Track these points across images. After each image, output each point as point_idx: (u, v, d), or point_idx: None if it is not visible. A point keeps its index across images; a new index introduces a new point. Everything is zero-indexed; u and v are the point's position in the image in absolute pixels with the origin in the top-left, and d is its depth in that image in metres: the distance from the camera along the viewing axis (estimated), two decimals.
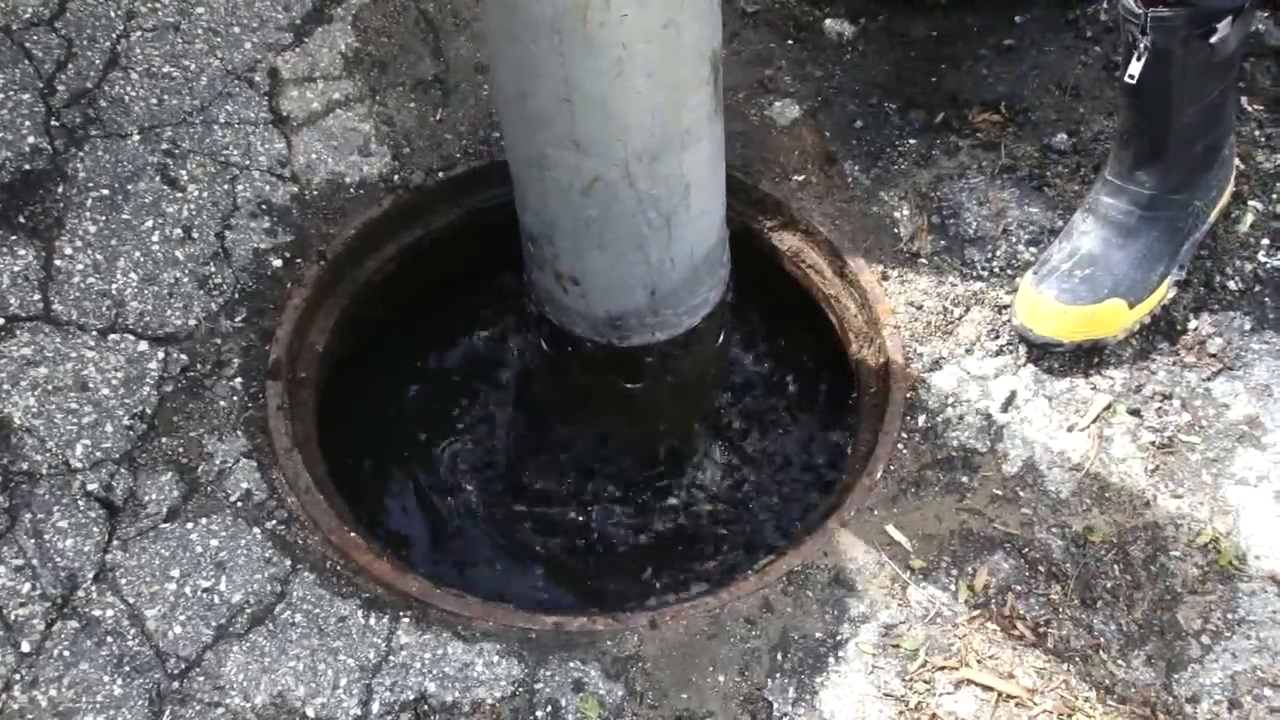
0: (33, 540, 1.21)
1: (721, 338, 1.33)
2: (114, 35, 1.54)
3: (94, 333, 1.33)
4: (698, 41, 0.99)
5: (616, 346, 1.24)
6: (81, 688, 1.13)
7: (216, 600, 1.18)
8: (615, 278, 1.17)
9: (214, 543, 1.21)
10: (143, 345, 1.33)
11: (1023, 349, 1.33)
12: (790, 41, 1.62)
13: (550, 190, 1.09)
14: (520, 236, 1.22)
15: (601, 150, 1.03)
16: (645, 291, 1.18)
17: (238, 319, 1.36)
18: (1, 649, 1.15)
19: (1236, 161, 1.37)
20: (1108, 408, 1.28)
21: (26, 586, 1.18)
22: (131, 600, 1.18)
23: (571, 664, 1.14)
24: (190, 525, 1.22)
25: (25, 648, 1.16)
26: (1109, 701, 1.12)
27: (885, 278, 1.40)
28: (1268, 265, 1.37)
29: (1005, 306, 1.37)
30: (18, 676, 1.14)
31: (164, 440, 1.27)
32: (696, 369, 1.33)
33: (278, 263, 1.40)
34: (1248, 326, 1.32)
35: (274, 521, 1.23)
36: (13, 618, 1.17)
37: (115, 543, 1.21)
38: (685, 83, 1.01)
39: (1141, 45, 1.09)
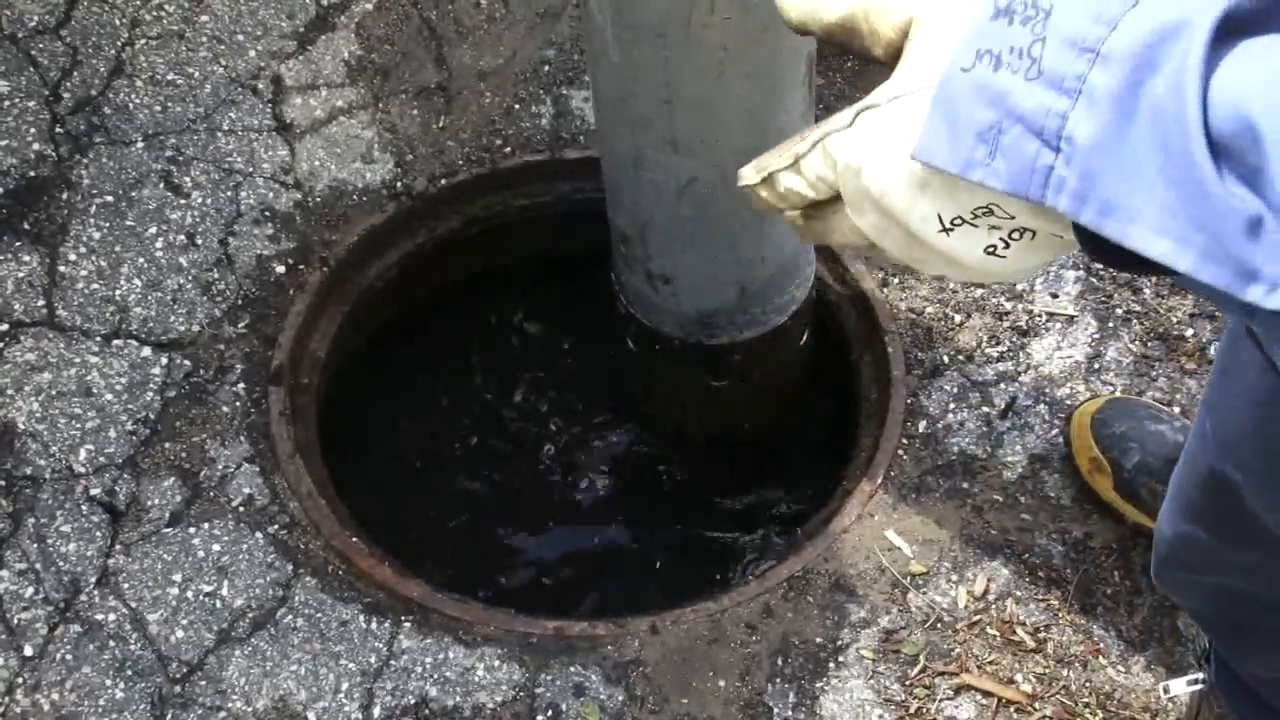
0: (36, 544, 1.22)
1: (806, 336, 1.34)
2: (119, 43, 1.55)
3: (98, 338, 1.34)
4: (795, 42, 1.00)
5: (704, 344, 1.26)
6: (84, 691, 1.14)
7: (218, 605, 1.18)
8: (707, 276, 1.19)
9: (216, 547, 1.22)
10: (146, 351, 1.34)
11: (1023, 355, 1.35)
12: None
13: (645, 191, 1.11)
14: (611, 238, 1.24)
15: (699, 150, 1.05)
16: (736, 289, 1.20)
17: (241, 325, 1.37)
18: (4, 652, 1.16)
19: None
20: None
21: (29, 590, 1.19)
22: (134, 604, 1.18)
23: (572, 668, 1.15)
24: (192, 530, 1.23)
25: (28, 651, 1.16)
26: (1109, 707, 1.13)
27: (886, 284, 1.41)
28: None
29: (1006, 313, 1.38)
30: (20, 680, 1.15)
31: (167, 445, 1.28)
32: (782, 366, 1.35)
33: (281, 269, 1.41)
34: None
35: (276, 526, 1.23)
36: (15, 621, 1.17)
37: (118, 547, 1.21)
38: (782, 83, 1.02)
39: None
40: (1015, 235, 0.42)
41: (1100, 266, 1.41)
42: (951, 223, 0.42)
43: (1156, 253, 0.36)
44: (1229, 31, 0.34)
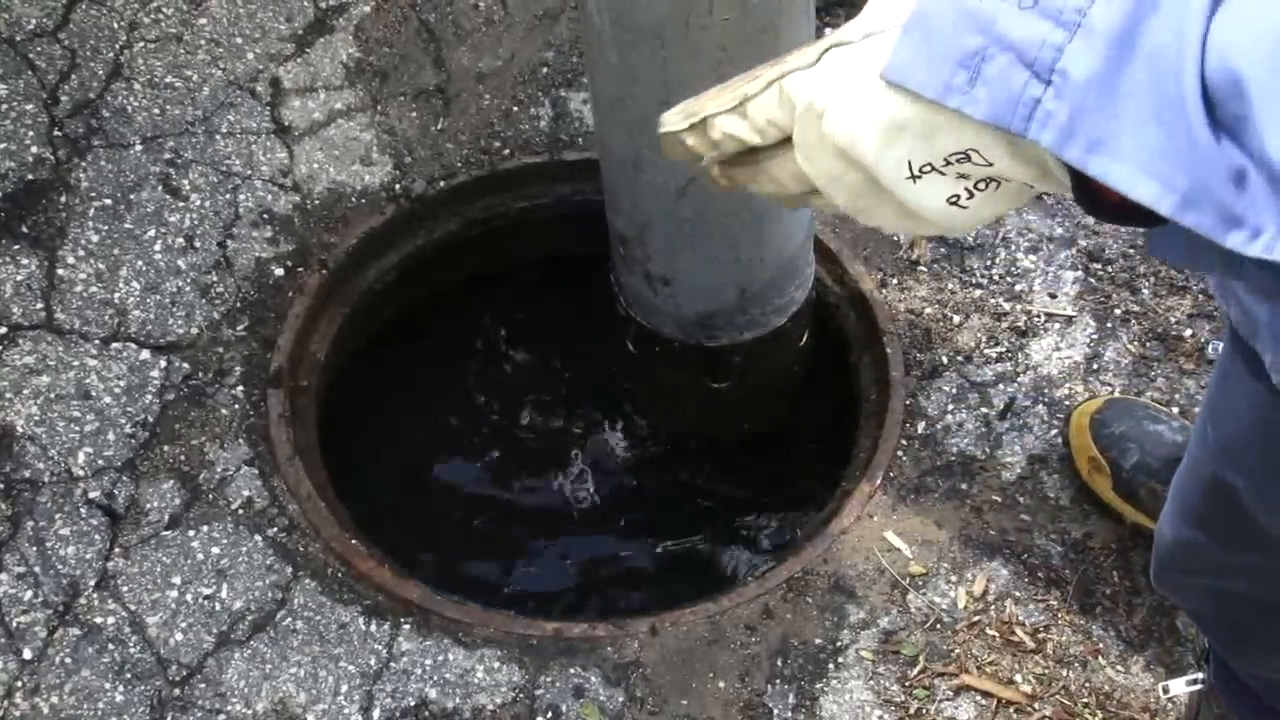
0: (35, 548, 1.22)
1: (806, 337, 1.35)
2: (117, 46, 1.55)
3: (96, 341, 1.34)
4: (793, 44, 0.99)
5: (705, 346, 1.27)
6: (83, 695, 1.14)
7: (218, 607, 1.18)
8: (707, 278, 1.19)
9: (215, 550, 1.22)
10: (145, 354, 1.34)
11: (1022, 356, 1.35)
12: None
13: (644, 192, 1.12)
14: (610, 239, 1.24)
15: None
16: (735, 291, 1.20)
17: (239, 327, 1.37)
18: (3, 656, 1.16)
19: None
20: None
21: (29, 594, 1.19)
22: (133, 607, 1.18)
23: (572, 670, 1.15)
24: (192, 533, 1.23)
25: (27, 655, 1.16)
26: (1108, 707, 1.13)
27: (884, 285, 1.41)
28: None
29: (1005, 314, 1.38)
30: (19, 684, 1.15)
31: (166, 448, 1.28)
32: (781, 368, 1.36)
33: (279, 271, 1.41)
34: None
35: (275, 529, 1.23)
36: (15, 625, 1.18)
37: (117, 550, 1.22)
38: None
39: None
40: (981, 186, 0.41)
41: (1099, 266, 1.41)
42: (920, 170, 0.40)
43: (1140, 194, 0.35)
44: None
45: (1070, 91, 0.36)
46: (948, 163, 0.40)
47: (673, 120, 0.46)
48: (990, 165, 0.39)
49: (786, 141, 0.43)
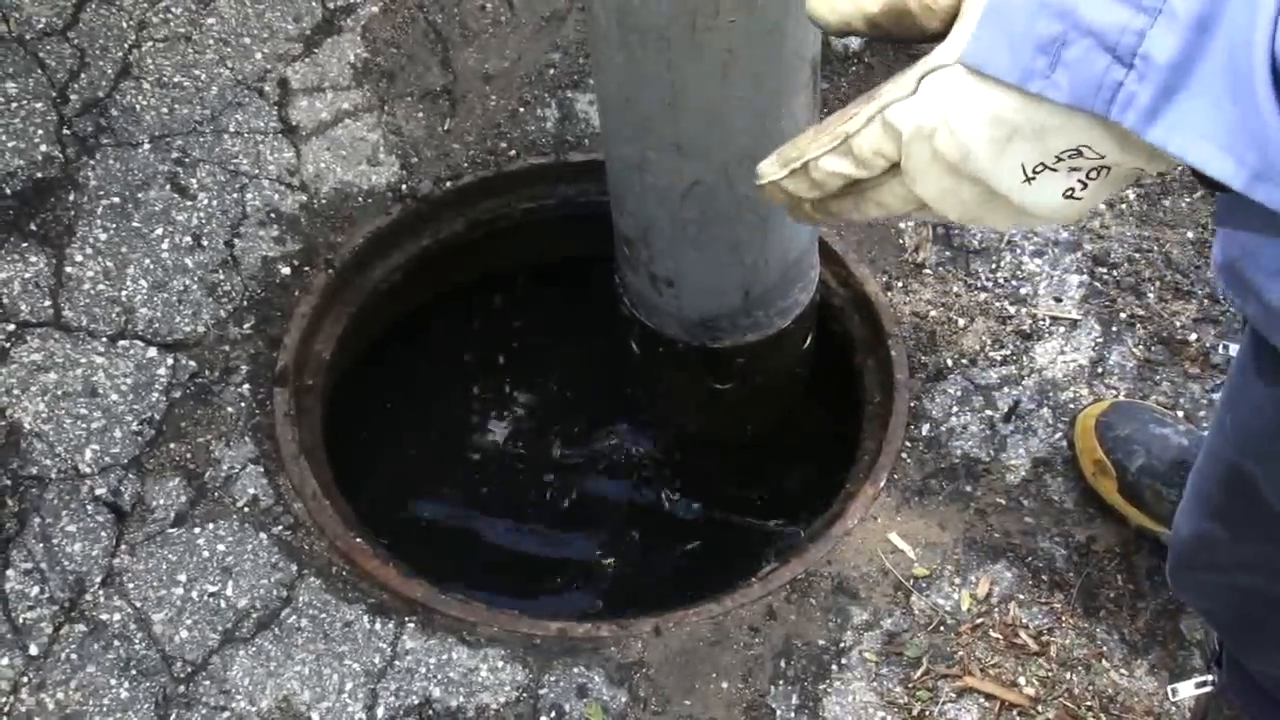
0: (41, 544, 1.22)
1: (810, 339, 1.35)
2: (126, 45, 1.56)
3: (103, 339, 1.35)
4: (799, 45, 1.00)
5: (708, 347, 1.27)
6: (88, 690, 1.14)
7: (223, 605, 1.19)
8: (710, 279, 1.20)
9: (221, 548, 1.22)
10: (152, 351, 1.34)
11: (1026, 359, 1.35)
12: None
13: (648, 193, 1.12)
14: (614, 240, 1.24)
15: (703, 153, 1.05)
16: (739, 293, 1.21)
17: (246, 326, 1.37)
18: (10, 652, 1.16)
19: None
20: None
21: (35, 590, 1.20)
22: (139, 604, 1.19)
23: (575, 669, 1.15)
24: (197, 530, 1.23)
25: (33, 650, 1.16)
26: (1112, 710, 1.13)
27: (889, 287, 1.41)
28: None
29: (1010, 317, 1.39)
30: (25, 679, 1.15)
31: (172, 446, 1.28)
32: (785, 370, 1.36)
33: (286, 271, 1.41)
34: None
35: (280, 527, 1.24)
36: (21, 621, 1.18)
37: (123, 547, 1.22)
38: (787, 86, 1.03)
39: None
40: (1093, 174, 0.42)
41: (1104, 270, 1.42)
42: (1034, 170, 0.42)
43: (1214, 169, 0.37)
44: None
45: (1153, 74, 0.37)
46: (1059, 159, 0.41)
47: (771, 170, 0.48)
48: (1103, 157, 0.41)
49: (893, 169, 0.45)
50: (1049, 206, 0.43)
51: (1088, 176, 0.42)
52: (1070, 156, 0.41)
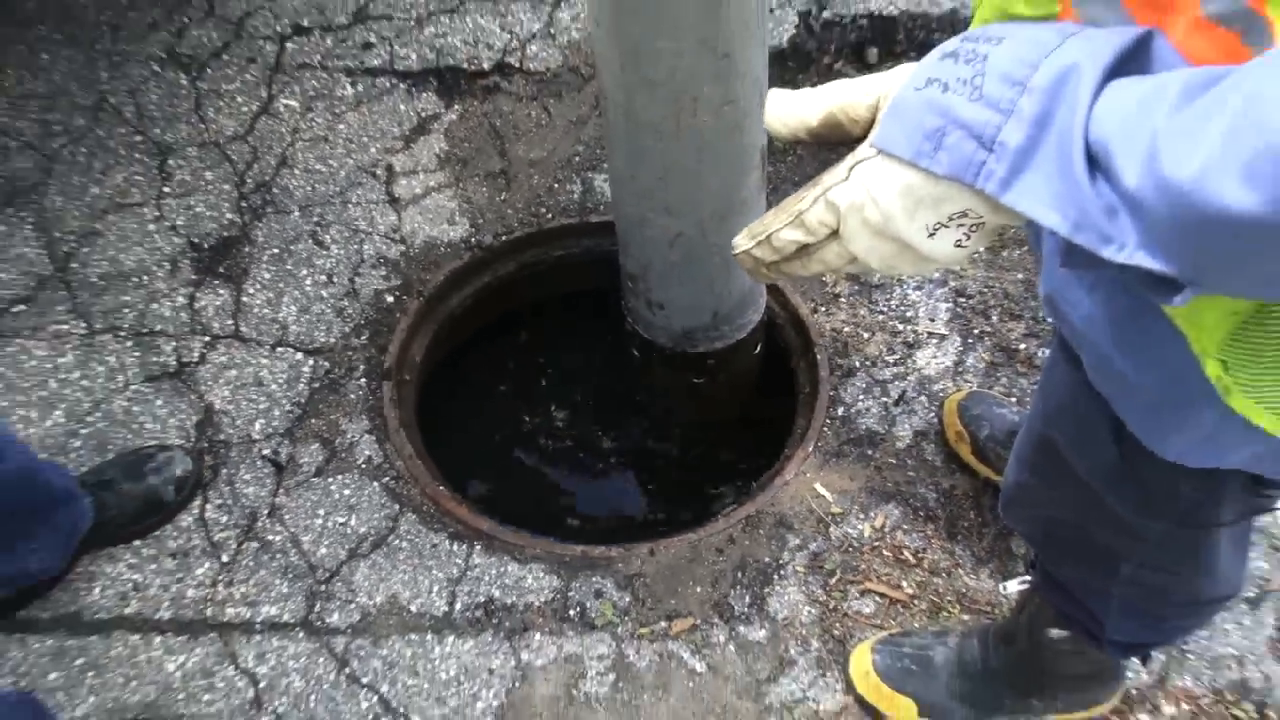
0: (228, 487, 1.26)
1: (760, 347, 1.35)
2: (284, 144, 1.58)
3: (267, 347, 1.38)
4: (753, 138, 1.02)
5: (689, 353, 1.27)
6: (261, 587, 1.18)
7: (349, 531, 1.22)
8: (690, 304, 1.20)
9: (346, 492, 1.25)
10: (299, 356, 1.37)
11: (910, 362, 1.37)
12: None
13: (646, 243, 1.12)
14: (621, 276, 1.25)
15: (685, 213, 1.06)
16: (710, 314, 1.21)
17: (363, 338, 1.39)
18: (210, 559, 1.21)
19: None
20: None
21: (224, 518, 1.24)
22: (293, 530, 1.23)
23: (594, 578, 1.17)
24: (330, 480, 1.26)
25: (224, 559, 1.21)
26: (964, 602, 1.16)
27: (815, 310, 1.42)
28: None
29: (899, 332, 1.40)
30: (220, 578, 1.19)
31: (313, 421, 1.31)
32: (743, 369, 1.36)
33: (390, 299, 1.43)
34: None
35: (387, 478, 1.26)
36: (216, 539, 1.22)
37: (281, 490, 1.25)
38: (744, 167, 1.04)
39: None
40: (974, 229, 0.43)
41: (964, 299, 1.41)
42: (934, 228, 0.42)
43: (1048, 222, 0.38)
44: (1113, 73, 0.37)
45: (1006, 156, 0.38)
46: (951, 219, 0.42)
47: (743, 243, 0.48)
48: (981, 217, 0.42)
49: (832, 235, 0.45)
50: (945, 254, 0.43)
51: (971, 230, 0.43)
52: (959, 217, 0.42)
